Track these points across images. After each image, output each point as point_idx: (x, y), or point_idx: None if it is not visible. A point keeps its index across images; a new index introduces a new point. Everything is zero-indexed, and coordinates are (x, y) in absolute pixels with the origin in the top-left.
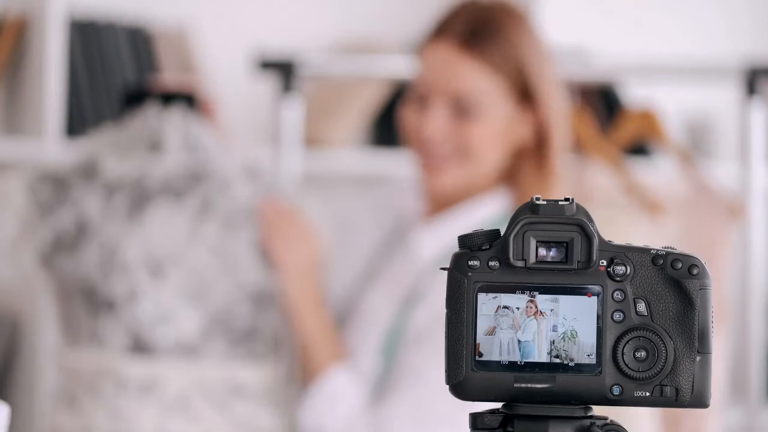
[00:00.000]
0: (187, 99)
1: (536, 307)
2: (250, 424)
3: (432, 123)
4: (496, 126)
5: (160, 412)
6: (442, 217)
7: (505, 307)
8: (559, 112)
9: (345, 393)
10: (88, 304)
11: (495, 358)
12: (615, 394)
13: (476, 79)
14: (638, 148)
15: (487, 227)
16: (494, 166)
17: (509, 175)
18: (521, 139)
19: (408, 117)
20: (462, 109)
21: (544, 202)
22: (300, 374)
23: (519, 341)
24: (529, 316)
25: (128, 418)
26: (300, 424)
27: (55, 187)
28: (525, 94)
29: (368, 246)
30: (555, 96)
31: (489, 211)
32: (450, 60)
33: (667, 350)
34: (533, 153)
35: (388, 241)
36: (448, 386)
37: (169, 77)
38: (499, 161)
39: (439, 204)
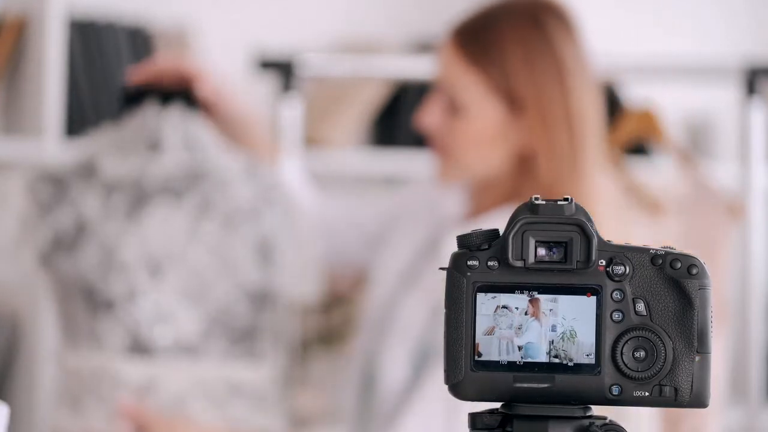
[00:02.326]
0: (186, 98)
1: (538, 307)
2: (249, 424)
3: (426, 114)
4: (481, 128)
5: (159, 411)
6: (472, 223)
7: (505, 307)
8: (560, 124)
9: None
10: (87, 303)
11: (494, 358)
12: (614, 393)
13: (465, 80)
14: (638, 148)
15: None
16: (494, 168)
17: (520, 188)
18: (521, 145)
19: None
20: (452, 107)
21: (543, 202)
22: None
23: (521, 344)
24: (531, 317)
25: None
26: None
27: (54, 187)
28: (514, 101)
29: (408, 247)
30: (555, 104)
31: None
32: (447, 57)
33: (666, 350)
34: (540, 163)
35: (427, 244)
36: (447, 386)
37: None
38: (499, 164)
39: (476, 209)
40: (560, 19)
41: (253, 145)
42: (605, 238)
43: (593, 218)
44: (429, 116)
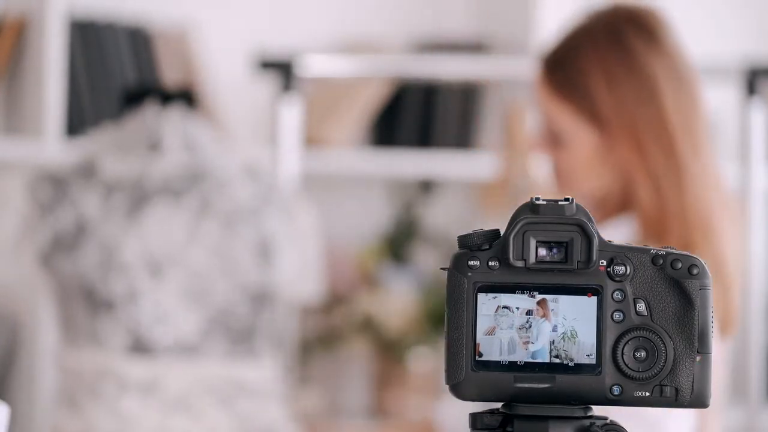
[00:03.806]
0: (186, 98)
1: (547, 308)
2: (251, 421)
3: (537, 146)
4: (582, 153)
5: (162, 411)
6: None
7: (505, 307)
8: (656, 139)
9: None
10: (87, 304)
11: (495, 358)
12: (615, 394)
13: (556, 110)
14: None
15: None
16: (603, 188)
17: (631, 200)
18: (623, 159)
19: None
20: (552, 135)
21: (544, 202)
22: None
23: (530, 343)
24: (541, 318)
25: (130, 418)
26: None
27: (55, 187)
28: (602, 125)
29: None
30: (645, 122)
31: (615, 237)
32: (540, 88)
33: (666, 350)
34: (643, 174)
35: None
36: (447, 386)
37: (171, 81)
38: (607, 183)
39: None
40: (644, 29)
41: None
42: (723, 251)
43: (709, 232)
44: (538, 146)
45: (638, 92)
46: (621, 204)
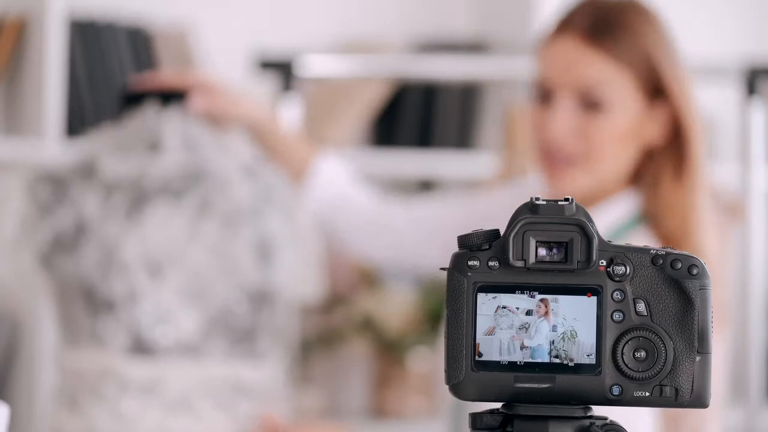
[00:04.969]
0: (186, 99)
1: (548, 308)
2: (253, 422)
3: (559, 119)
4: (625, 122)
5: (163, 411)
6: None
7: (505, 307)
8: (694, 111)
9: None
10: (87, 304)
11: (495, 358)
12: (614, 394)
13: (603, 72)
14: None
15: (617, 231)
16: (623, 166)
17: (638, 177)
18: (651, 138)
19: (533, 118)
20: (590, 103)
21: (544, 202)
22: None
23: (529, 345)
24: (541, 318)
25: (131, 418)
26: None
27: (54, 187)
28: (656, 91)
29: None
30: (689, 94)
31: (618, 214)
32: (576, 53)
33: (666, 350)
34: (667, 154)
35: None
36: (448, 386)
37: (166, 72)
38: (628, 161)
39: (591, 198)
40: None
41: (281, 151)
42: (705, 250)
43: (696, 228)
44: (561, 121)
45: (685, 72)
46: (622, 183)
